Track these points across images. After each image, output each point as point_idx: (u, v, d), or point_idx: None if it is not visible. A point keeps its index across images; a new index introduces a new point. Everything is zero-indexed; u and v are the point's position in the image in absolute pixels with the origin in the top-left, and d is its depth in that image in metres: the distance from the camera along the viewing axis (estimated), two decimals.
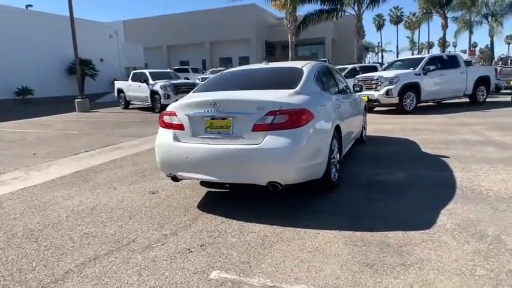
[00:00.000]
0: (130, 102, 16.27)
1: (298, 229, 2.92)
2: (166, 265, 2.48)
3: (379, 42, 65.06)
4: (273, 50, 40.82)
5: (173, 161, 3.43)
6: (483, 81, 11.46)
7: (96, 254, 2.69)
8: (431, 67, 10.42)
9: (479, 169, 4.36)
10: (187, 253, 2.63)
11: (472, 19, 29.70)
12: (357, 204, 3.46)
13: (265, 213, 3.29)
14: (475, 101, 11.55)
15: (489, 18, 28.77)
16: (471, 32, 30.97)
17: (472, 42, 37.80)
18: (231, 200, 3.81)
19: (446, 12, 30.80)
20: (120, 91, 16.65)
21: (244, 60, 36.10)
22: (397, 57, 48.44)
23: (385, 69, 12.61)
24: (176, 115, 3.46)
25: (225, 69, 4.85)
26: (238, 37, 35.24)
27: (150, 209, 3.61)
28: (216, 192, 4.05)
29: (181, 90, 14.35)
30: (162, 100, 13.86)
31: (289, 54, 20.58)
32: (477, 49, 62.58)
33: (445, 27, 31.45)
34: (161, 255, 2.63)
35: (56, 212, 3.64)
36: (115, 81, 17.91)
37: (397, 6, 60.44)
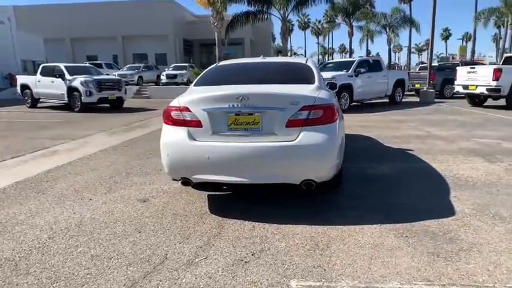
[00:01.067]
0: (40, 100, 14.10)
1: (339, 227, 2.85)
2: (230, 280, 2.16)
3: (291, 46, 68.78)
4: (190, 48, 39.87)
5: (190, 162, 3.03)
6: (400, 83, 12.98)
7: (131, 279, 2.21)
8: (362, 69, 11.38)
9: (447, 160, 4.88)
10: (244, 264, 2.34)
11: (373, 29, 33.41)
12: (370, 197, 3.54)
13: (289, 214, 3.13)
14: (394, 101, 13.00)
15: (387, 29, 32.77)
16: (372, 41, 34.91)
17: (367, 50, 42.65)
18: (241, 202, 3.54)
19: (352, 21, 34.03)
20: (24, 87, 14.27)
21: (161, 58, 34.47)
22: None
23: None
24: (190, 110, 3.06)
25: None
26: (154, 33, 33.37)
27: (155, 219, 3.14)
28: (217, 195, 3.73)
29: (105, 87, 12.98)
30: (83, 98, 12.33)
31: (217, 54, 20.32)
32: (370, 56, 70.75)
33: (351, 34, 34.74)
34: (214, 270, 2.28)
35: (30, 233, 2.90)
36: (17, 76, 15.34)
37: (305, 13, 64.83)
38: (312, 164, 2.93)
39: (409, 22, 32.59)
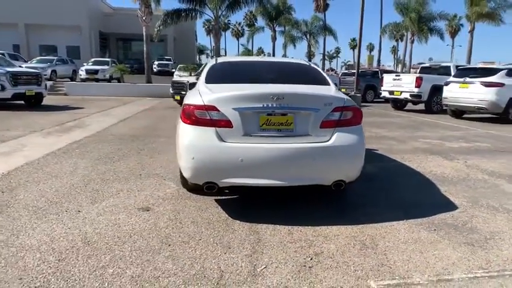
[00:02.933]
0: None
1: (371, 225, 2.94)
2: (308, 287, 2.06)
3: (211, 46, 68.36)
4: (106, 42, 36.89)
5: (220, 165, 2.80)
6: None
7: None
8: None
9: (413, 158, 5.40)
10: (309, 269, 2.26)
11: (295, 35, 35.21)
12: (376, 195, 3.72)
13: (316, 216, 3.12)
14: None
15: (307, 36, 34.87)
16: (294, 46, 36.72)
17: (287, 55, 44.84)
18: (255, 205, 3.39)
19: (274, 26, 35.37)
20: None
21: (74, 51, 31.17)
22: None
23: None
24: (218, 109, 2.83)
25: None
26: (65, 23, 29.98)
27: (176, 229, 2.82)
28: (227, 199, 3.52)
29: (21, 81, 11.24)
30: None
31: (145, 50, 19.15)
32: None
33: (274, 39, 36.10)
34: (284, 279, 2.15)
35: (28, 257, 2.37)
36: None
37: (225, 14, 65.28)
38: (345, 165, 2.97)
39: (326, 30, 35.16)
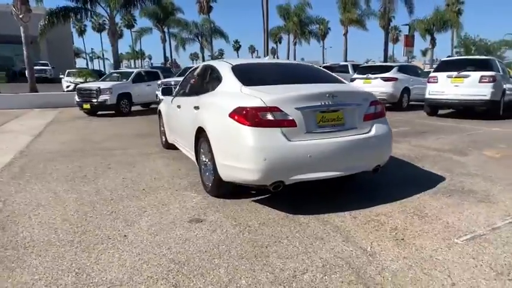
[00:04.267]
0: None
1: (404, 200, 3.43)
2: (420, 252, 2.42)
3: (92, 49, 62.02)
4: None
5: (290, 163, 2.89)
6: None
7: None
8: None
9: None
10: (403, 241, 2.61)
11: (186, 36, 34.83)
12: (375, 179, 4.27)
13: (355, 201, 3.45)
14: None
15: (199, 38, 34.91)
16: (184, 49, 36.26)
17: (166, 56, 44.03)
18: (288, 200, 3.54)
19: (163, 27, 34.34)
20: None
21: None
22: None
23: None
24: (281, 110, 2.92)
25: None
26: None
27: (252, 234, 2.80)
28: (262, 199, 3.59)
29: None
30: None
31: (25, 53, 16.36)
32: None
33: (164, 40, 35.02)
34: (395, 254, 2.45)
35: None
36: None
37: (98, 14, 59.92)
38: (383, 151, 3.41)
39: (217, 32, 35.87)
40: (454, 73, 8.99)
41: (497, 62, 9.52)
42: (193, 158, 4.26)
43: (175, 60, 47.25)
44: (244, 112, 2.93)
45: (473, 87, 8.69)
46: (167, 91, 5.36)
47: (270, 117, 2.91)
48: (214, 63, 4.16)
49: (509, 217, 3.00)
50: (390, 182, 4.03)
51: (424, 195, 3.57)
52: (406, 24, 28.14)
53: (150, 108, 14.45)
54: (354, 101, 3.27)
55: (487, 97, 8.56)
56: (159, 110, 6.33)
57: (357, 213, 3.15)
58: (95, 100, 11.74)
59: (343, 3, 28.11)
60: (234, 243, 2.65)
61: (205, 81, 4.23)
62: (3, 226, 3.04)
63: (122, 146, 6.63)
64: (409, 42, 28.11)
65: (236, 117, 3.00)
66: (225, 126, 3.13)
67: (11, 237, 2.82)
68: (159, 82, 11.76)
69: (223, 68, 3.81)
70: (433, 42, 34.59)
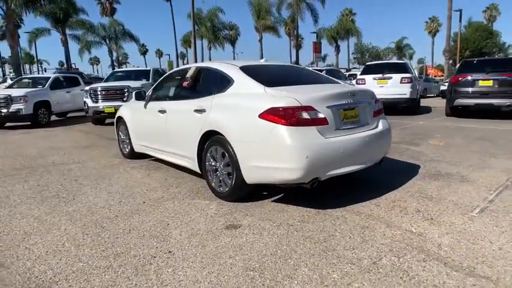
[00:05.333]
0: None
1: (406, 186, 3.85)
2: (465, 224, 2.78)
3: None
4: None
5: (326, 160, 3.00)
6: None
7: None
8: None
9: None
10: (433, 220, 2.95)
11: (92, 39, 31.88)
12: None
13: (366, 193, 3.72)
14: None
15: (107, 41, 32.31)
16: (89, 52, 33.20)
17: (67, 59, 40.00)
18: (316, 198, 3.66)
19: (64, 29, 31.03)
20: None
21: None
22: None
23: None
24: (315, 109, 3.01)
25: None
26: None
27: (299, 232, 2.86)
28: (279, 198, 3.63)
29: None
30: None
31: None
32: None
33: (65, 43, 31.66)
34: (440, 231, 2.77)
35: None
36: None
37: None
38: (388, 144, 3.76)
39: (127, 35, 33.86)
40: (379, 75, 10.19)
41: (410, 65, 11.09)
42: (190, 165, 4.05)
43: (74, 65, 42.96)
44: (281, 112, 2.95)
45: (395, 87, 9.99)
46: (140, 96, 4.96)
47: (306, 116, 2.98)
48: (213, 64, 4.03)
49: (492, 191, 3.61)
50: (379, 172, 4.42)
51: (416, 180, 4.05)
52: (314, 32, 30.66)
53: (69, 118, 13.00)
54: (366, 99, 3.55)
55: (407, 96, 9.95)
56: (119, 117, 5.79)
57: (376, 201, 3.42)
58: (4, 110, 10.06)
59: (257, 11, 29.26)
60: (292, 243, 2.65)
61: (205, 83, 4.06)
62: (1, 264, 2.49)
63: (73, 159, 5.87)
64: (318, 48, 30.72)
65: (270, 118, 2.99)
66: (255, 126, 3.09)
67: (23, 275, 2.33)
68: (87, 88, 10.63)
69: (231, 69, 3.72)
70: (337, 48, 38.41)
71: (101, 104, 10.26)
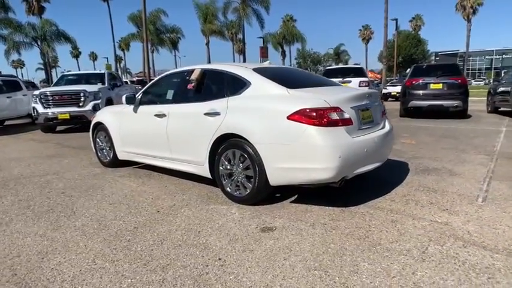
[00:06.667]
0: None
1: (407, 182, 4.14)
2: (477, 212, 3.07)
3: None
4: None
5: (354, 159, 3.12)
6: None
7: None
8: None
9: None
10: (448, 211, 3.23)
11: (21, 40, 28.88)
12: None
13: (376, 189, 3.96)
14: None
15: (39, 42, 29.51)
16: (19, 53, 30.07)
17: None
18: (340, 199, 3.75)
19: None
20: None
21: None
22: None
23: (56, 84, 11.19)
24: (342, 110, 3.12)
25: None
26: None
27: (336, 234, 2.94)
28: (297, 199, 3.68)
29: None
30: None
31: None
32: None
33: None
34: (455, 219, 3.03)
35: None
36: None
37: None
38: (392, 143, 4.00)
39: (61, 36, 31.41)
40: (339, 79, 10.74)
41: (364, 69, 11.88)
42: (196, 170, 3.93)
43: None
44: (313, 113, 3.00)
45: None
46: (132, 100, 4.66)
47: (335, 116, 3.07)
48: (222, 66, 3.93)
49: (482, 182, 4.04)
50: (378, 170, 4.70)
51: (412, 176, 4.37)
52: (261, 37, 31.23)
53: (8, 126, 11.75)
54: (376, 100, 3.76)
55: None
56: (98, 123, 5.38)
57: (390, 197, 3.62)
58: None
59: (203, 14, 28.99)
60: (337, 241, 2.71)
61: (214, 85, 3.96)
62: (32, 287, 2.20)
63: (44, 170, 5.33)
64: (264, 53, 31.32)
65: (301, 119, 3.03)
66: (283, 128, 3.11)
67: None
68: (37, 93, 9.66)
69: (245, 71, 3.68)
70: (284, 53, 39.53)
71: (54, 110, 9.42)
